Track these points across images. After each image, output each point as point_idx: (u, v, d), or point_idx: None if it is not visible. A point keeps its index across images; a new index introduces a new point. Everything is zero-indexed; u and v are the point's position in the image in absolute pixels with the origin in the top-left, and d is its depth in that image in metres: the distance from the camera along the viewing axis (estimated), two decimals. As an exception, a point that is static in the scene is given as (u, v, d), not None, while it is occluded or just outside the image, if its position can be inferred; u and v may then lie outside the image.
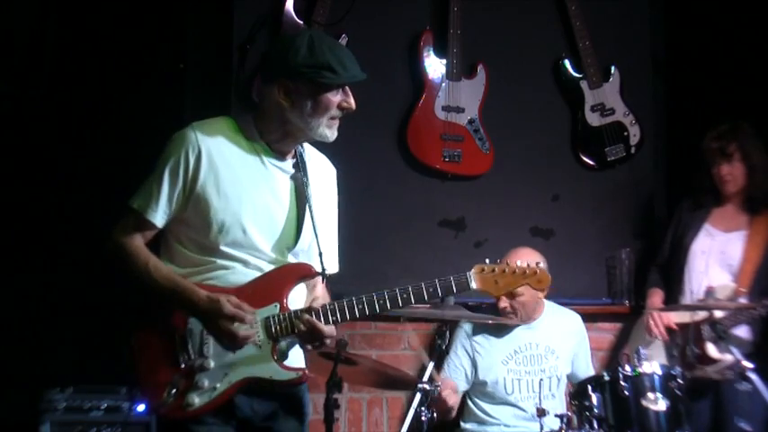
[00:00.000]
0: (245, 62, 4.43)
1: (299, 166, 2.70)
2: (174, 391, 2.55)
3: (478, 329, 4.16)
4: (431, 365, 3.65)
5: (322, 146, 2.77)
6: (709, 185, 4.21)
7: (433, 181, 4.64)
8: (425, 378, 3.55)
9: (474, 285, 2.65)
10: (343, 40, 4.41)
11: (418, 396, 3.49)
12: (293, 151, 2.70)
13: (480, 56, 4.65)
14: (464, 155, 4.57)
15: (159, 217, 2.60)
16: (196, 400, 2.54)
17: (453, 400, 4.00)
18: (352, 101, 2.64)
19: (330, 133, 2.64)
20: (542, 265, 2.74)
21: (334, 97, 2.60)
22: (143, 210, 2.60)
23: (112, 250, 2.63)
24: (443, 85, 4.58)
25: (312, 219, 2.67)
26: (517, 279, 2.69)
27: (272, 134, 2.65)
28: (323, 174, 2.81)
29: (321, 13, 4.43)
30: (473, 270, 2.67)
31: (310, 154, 2.79)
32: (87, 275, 4.23)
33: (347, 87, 2.63)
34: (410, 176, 4.62)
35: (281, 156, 2.67)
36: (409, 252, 4.58)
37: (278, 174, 2.66)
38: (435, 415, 3.52)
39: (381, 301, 2.60)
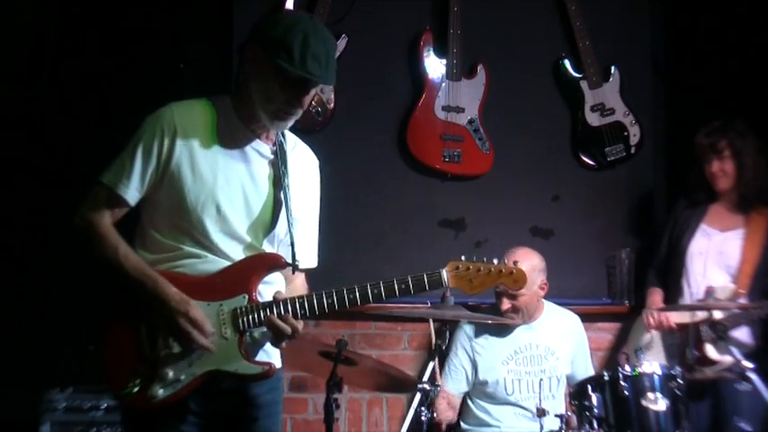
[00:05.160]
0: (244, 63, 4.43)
1: (278, 154, 2.61)
2: (139, 381, 2.50)
3: (479, 330, 4.15)
4: (430, 365, 3.65)
5: (319, 139, 2.76)
6: (702, 182, 4.20)
7: (433, 181, 4.64)
8: (426, 378, 3.55)
9: (447, 283, 2.56)
10: (343, 40, 4.42)
11: (418, 396, 3.49)
12: (273, 139, 2.62)
13: (480, 56, 4.65)
14: (464, 155, 4.57)
15: (131, 193, 2.52)
16: (160, 391, 2.49)
17: (449, 416, 3.97)
18: (302, 101, 2.50)
19: (274, 124, 2.53)
20: (521, 264, 2.64)
21: (283, 86, 2.47)
22: (113, 185, 2.52)
23: (81, 227, 2.56)
24: (443, 85, 4.58)
25: (288, 208, 2.59)
26: (492, 278, 2.60)
27: (241, 109, 2.57)
28: (304, 165, 2.72)
29: (321, 12, 4.42)
30: (447, 267, 2.58)
31: (292, 143, 2.70)
32: (87, 275, 4.22)
33: (308, 89, 2.49)
34: (410, 176, 4.62)
35: (259, 140, 2.59)
36: (409, 252, 4.58)
37: (256, 157, 2.59)
38: (435, 415, 3.51)
39: (351, 296, 2.50)
